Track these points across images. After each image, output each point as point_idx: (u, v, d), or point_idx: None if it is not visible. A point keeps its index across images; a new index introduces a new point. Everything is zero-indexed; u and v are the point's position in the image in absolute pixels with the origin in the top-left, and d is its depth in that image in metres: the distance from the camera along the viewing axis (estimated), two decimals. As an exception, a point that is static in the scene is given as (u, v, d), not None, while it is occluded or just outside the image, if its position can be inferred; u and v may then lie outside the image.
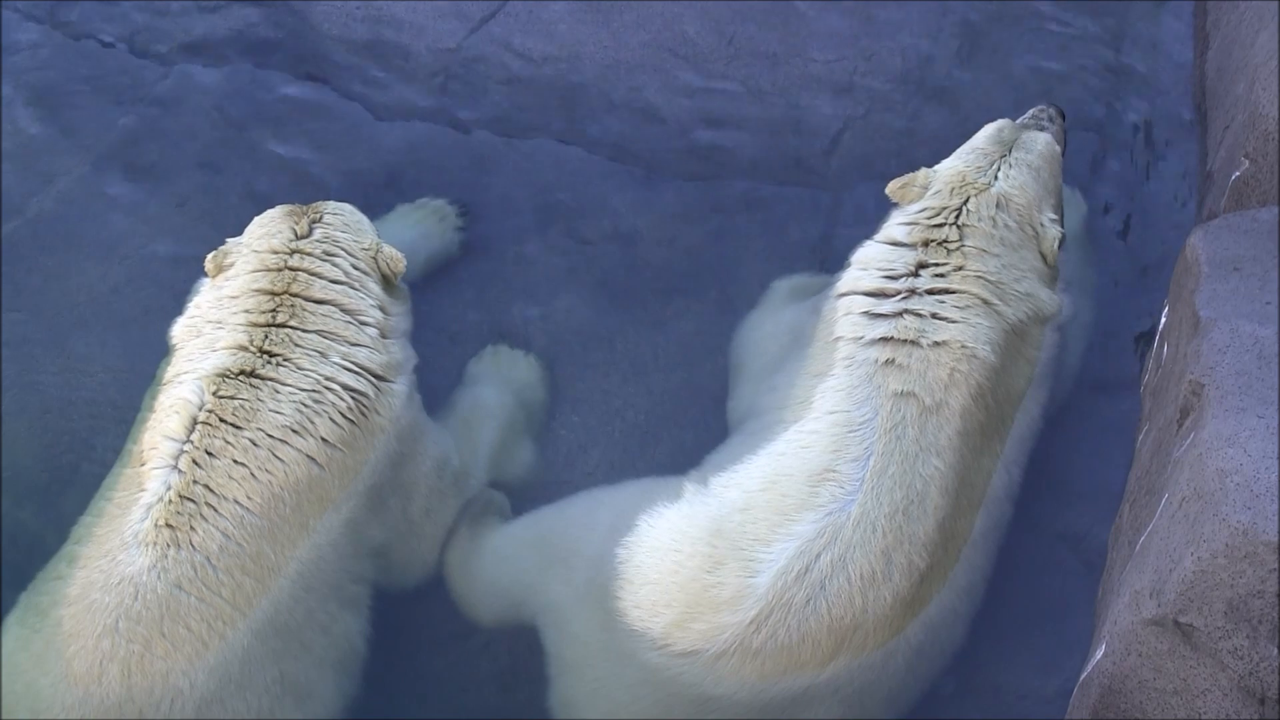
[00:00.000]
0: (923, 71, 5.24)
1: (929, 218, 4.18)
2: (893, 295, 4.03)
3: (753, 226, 4.94)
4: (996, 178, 4.24)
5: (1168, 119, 5.16)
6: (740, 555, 3.64)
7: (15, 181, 4.90)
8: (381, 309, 4.09)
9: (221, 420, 3.72)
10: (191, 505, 3.61)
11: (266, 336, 3.88)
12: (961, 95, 5.19)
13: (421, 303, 4.43)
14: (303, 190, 4.82)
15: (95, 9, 5.31)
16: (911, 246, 4.14)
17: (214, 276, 4.11)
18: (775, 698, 3.62)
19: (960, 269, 4.06)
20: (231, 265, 4.08)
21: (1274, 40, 4.38)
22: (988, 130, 4.42)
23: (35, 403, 4.48)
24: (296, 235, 4.10)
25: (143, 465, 3.70)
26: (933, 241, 4.13)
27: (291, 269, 4.02)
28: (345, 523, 3.82)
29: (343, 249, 4.11)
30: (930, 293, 4.02)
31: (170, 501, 3.60)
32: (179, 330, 4.03)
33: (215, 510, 3.62)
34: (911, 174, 4.31)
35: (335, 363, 3.90)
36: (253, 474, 3.68)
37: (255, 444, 3.71)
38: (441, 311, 4.69)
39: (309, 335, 3.91)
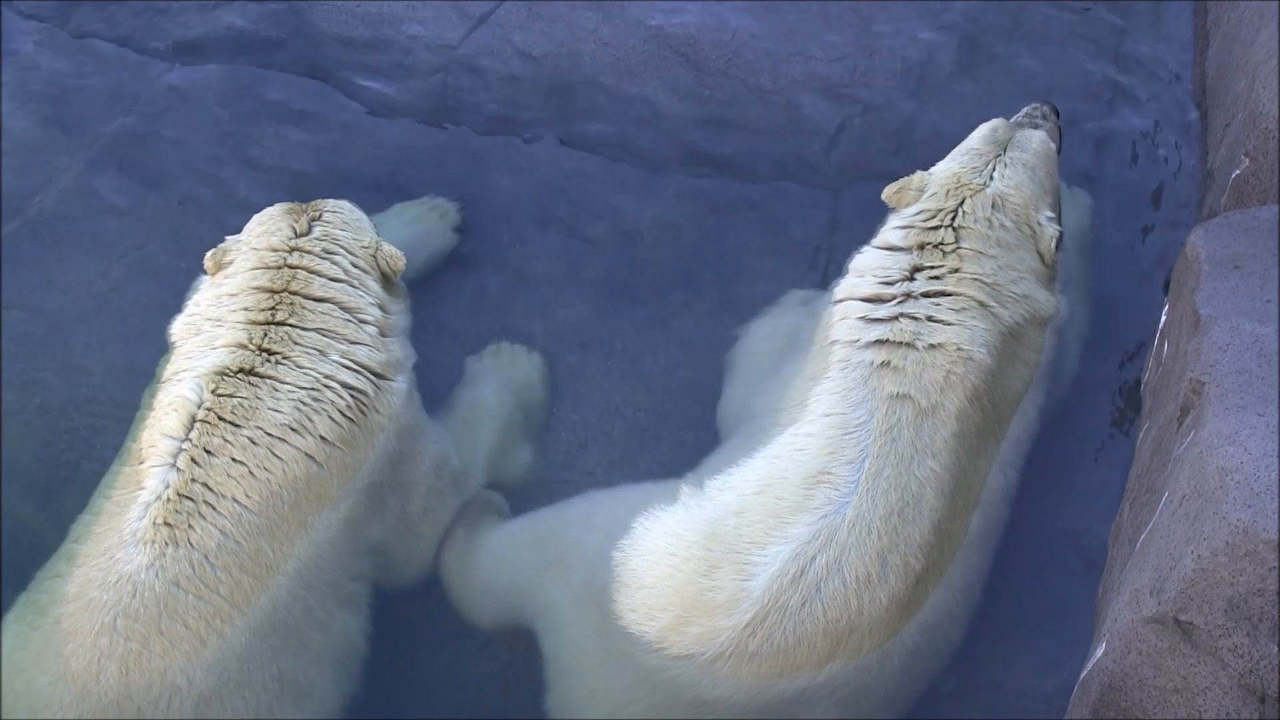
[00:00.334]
0: (923, 70, 5.23)
1: (925, 220, 4.18)
2: (889, 299, 4.03)
3: (753, 225, 4.94)
4: (992, 178, 4.24)
5: (1168, 117, 5.15)
6: (736, 558, 3.63)
7: (15, 180, 4.90)
8: (381, 307, 4.09)
9: (220, 418, 3.72)
10: (190, 503, 3.61)
11: (266, 334, 3.88)
12: (961, 94, 5.18)
13: (421, 300, 4.43)
14: (302, 188, 4.82)
15: (95, 8, 5.31)
16: (907, 250, 4.13)
17: (213, 274, 4.11)
18: (771, 700, 3.62)
19: (956, 271, 4.05)
20: (231, 263, 4.08)
21: (1274, 38, 4.37)
22: (982, 130, 4.42)
23: (35, 401, 4.48)
24: (296, 233, 4.10)
25: (141, 463, 3.70)
26: (928, 244, 4.12)
27: (291, 267, 4.02)
28: (344, 521, 3.83)
29: (342, 247, 4.11)
30: (926, 296, 4.01)
31: (169, 499, 3.61)
32: (178, 328, 4.04)
33: (213, 508, 3.62)
34: (906, 178, 4.31)
35: (334, 360, 3.90)
36: (251, 472, 3.68)
37: (254, 442, 3.71)
38: (441, 309, 4.69)
39: (308, 333, 3.92)
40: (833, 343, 4.01)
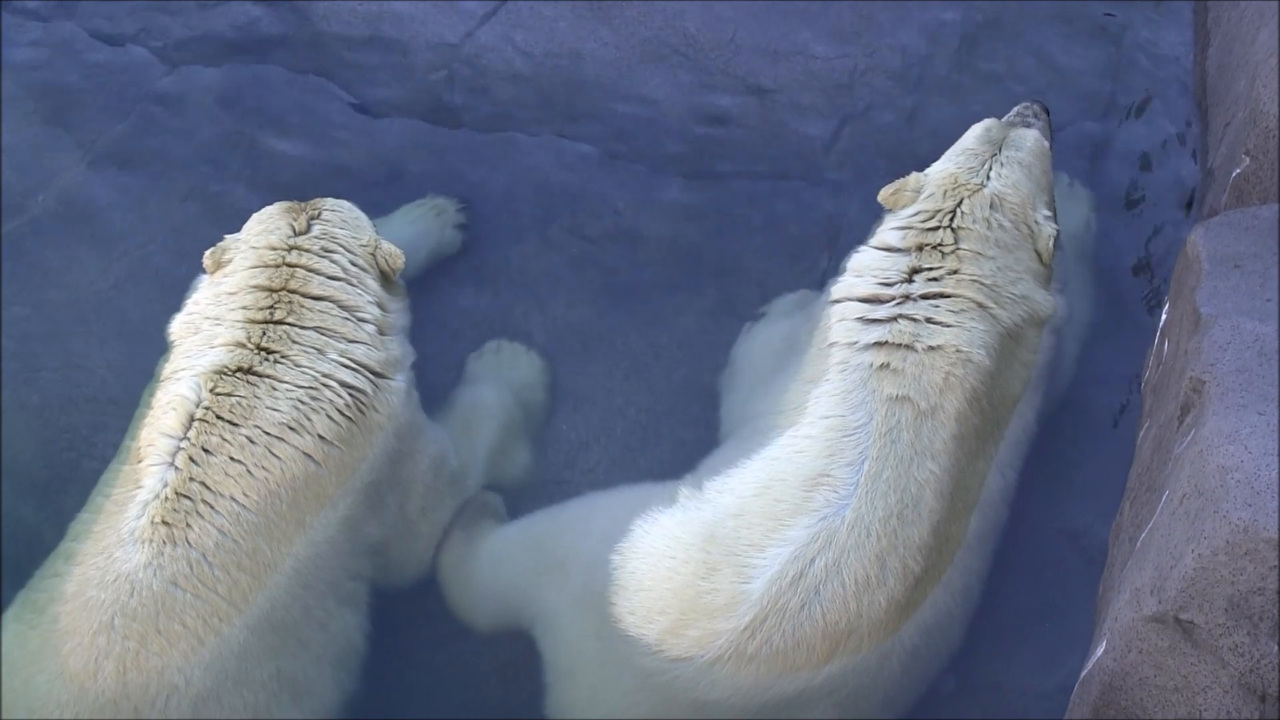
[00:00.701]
0: (923, 69, 5.23)
1: (923, 221, 4.17)
2: (887, 300, 4.02)
3: (753, 224, 4.94)
4: (989, 178, 4.23)
5: (1168, 116, 5.15)
6: (734, 561, 3.63)
7: (16, 179, 4.91)
8: (380, 305, 4.09)
9: (218, 417, 3.72)
10: (188, 502, 3.61)
11: (264, 333, 3.88)
12: (961, 93, 5.18)
13: (421, 299, 4.43)
14: (303, 187, 4.81)
15: (96, 7, 5.31)
16: (906, 251, 4.13)
17: (212, 273, 4.11)
18: (770, 702, 3.61)
19: (955, 272, 4.05)
20: (230, 262, 4.08)
21: (1274, 37, 4.37)
22: (975, 130, 4.41)
23: (36, 399, 4.48)
24: (295, 231, 4.10)
25: (140, 462, 3.70)
26: (927, 245, 4.11)
27: (289, 265, 4.02)
28: (342, 520, 3.82)
29: (341, 245, 4.11)
30: (925, 297, 4.01)
31: (167, 499, 3.61)
32: (177, 327, 4.04)
33: (211, 507, 3.62)
34: (902, 179, 4.30)
35: (333, 359, 3.90)
36: (249, 471, 3.68)
37: (252, 441, 3.71)
38: (441, 308, 4.69)
39: (307, 332, 3.91)
40: (831, 344, 4.00)
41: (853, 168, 5.03)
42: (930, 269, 4.06)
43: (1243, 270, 3.89)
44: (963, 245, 4.09)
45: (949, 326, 3.94)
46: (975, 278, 4.03)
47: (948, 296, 4.00)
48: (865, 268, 4.15)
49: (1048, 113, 4.58)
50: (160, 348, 4.07)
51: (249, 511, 3.66)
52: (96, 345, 4.60)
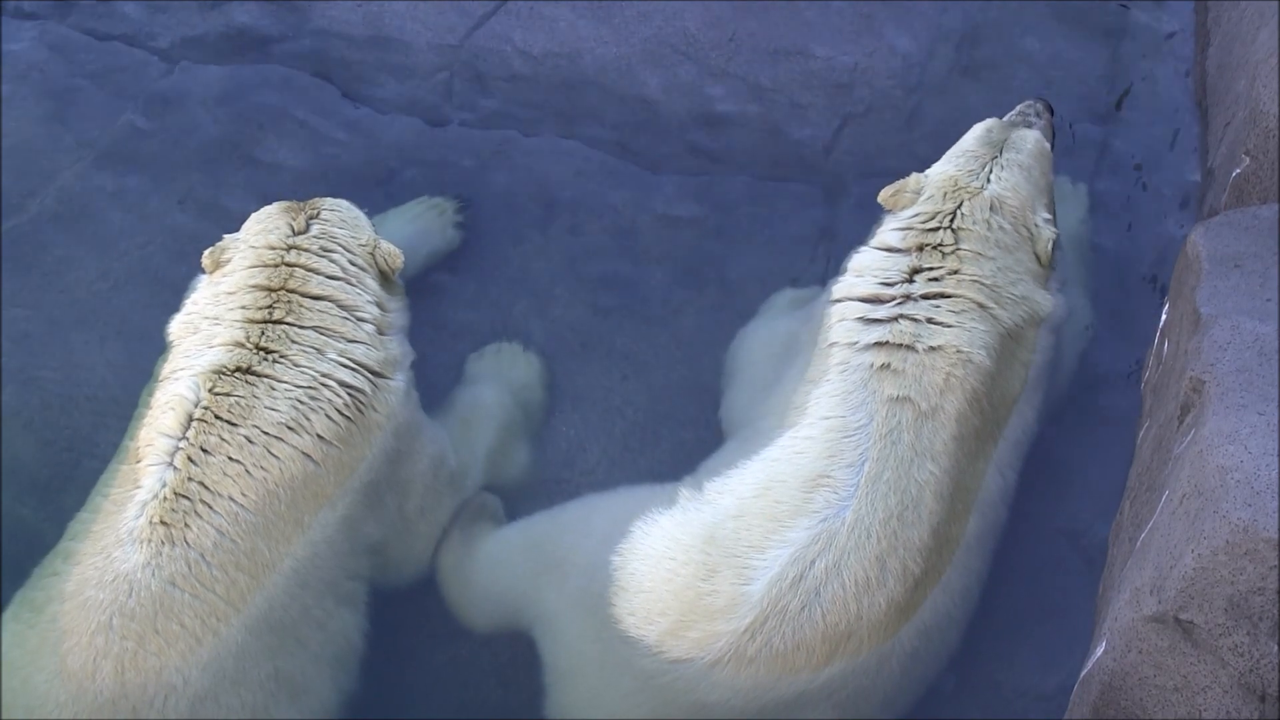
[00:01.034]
0: (923, 68, 5.23)
1: (923, 223, 4.16)
2: (888, 301, 4.02)
3: (753, 223, 4.94)
4: (989, 180, 4.23)
5: (1168, 116, 5.14)
6: (734, 562, 3.62)
7: (16, 179, 4.91)
8: (379, 305, 4.09)
9: (217, 417, 3.72)
10: (186, 502, 3.61)
11: (263, 333, 3.88)
12: (961, 93, 5.18)
13: (421, 299, 4.43)
14: (302, 187, 4.82)
15: (95, 6, 5.31)
16: (906, 252, 4.12)
17: (211, 273, 4.11)
18: (769, 704, 3.61)
19: (955, 273, 4.04)
20: (229, 261, 4.08)
21: (1274, 37, 4.36)
22: (976, 131, 4.41)
23: (36, 399, 4.49)
24: (293, 231, 4.10)
25: (138, 462, 3.70)
26: (928, 246, 4.11)
27: (288, 265, 4.01)
28: (341, 520, 3.82)
29: (340, 245, 4.10)
30: (925, 297, 4.00)
31: (165, 498, 3.60)
32: (176, 326, 4.03)
33: (210, 507, 3.62)
34: (902, 180, 4.29)
35: (332, 359, 3.90)
36: (248, 470, 3.68)
37: (251, 441, 3.71)
38: (441, 307, 4.69)
39: (305, 331, 3.91)
40: (831, 345, 4.00)
41: (852, 168, 5.03)
42: (931, 269, 4.06)
43: (1243, 270, 3.88)
44: (963, 246, 4.09)
45: (950, 327, 3.93)
46: (976, 278, 4.03)
47: (948, 297, 4.00)
48: (866, 268, 4.15)
49: (1051, 111, 4.57)
50: (159, 347, 4.06)
51: (247, 511, 3.65)
52: (96, 345, 4.60)
